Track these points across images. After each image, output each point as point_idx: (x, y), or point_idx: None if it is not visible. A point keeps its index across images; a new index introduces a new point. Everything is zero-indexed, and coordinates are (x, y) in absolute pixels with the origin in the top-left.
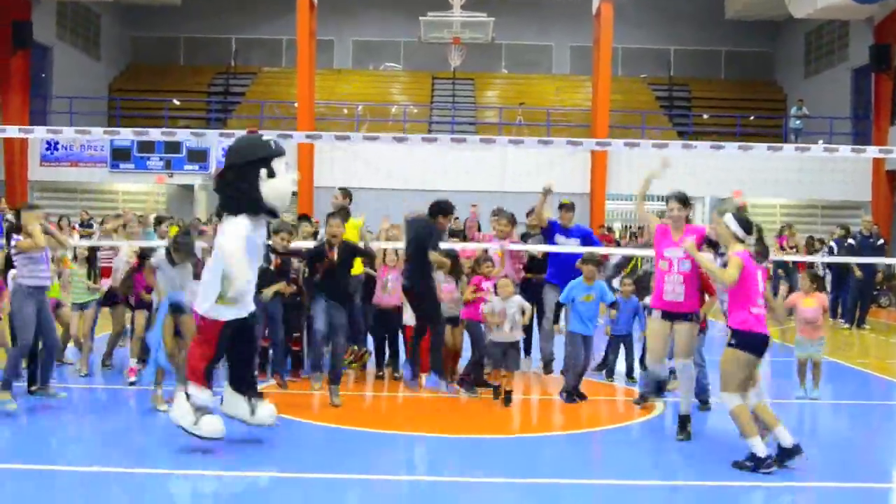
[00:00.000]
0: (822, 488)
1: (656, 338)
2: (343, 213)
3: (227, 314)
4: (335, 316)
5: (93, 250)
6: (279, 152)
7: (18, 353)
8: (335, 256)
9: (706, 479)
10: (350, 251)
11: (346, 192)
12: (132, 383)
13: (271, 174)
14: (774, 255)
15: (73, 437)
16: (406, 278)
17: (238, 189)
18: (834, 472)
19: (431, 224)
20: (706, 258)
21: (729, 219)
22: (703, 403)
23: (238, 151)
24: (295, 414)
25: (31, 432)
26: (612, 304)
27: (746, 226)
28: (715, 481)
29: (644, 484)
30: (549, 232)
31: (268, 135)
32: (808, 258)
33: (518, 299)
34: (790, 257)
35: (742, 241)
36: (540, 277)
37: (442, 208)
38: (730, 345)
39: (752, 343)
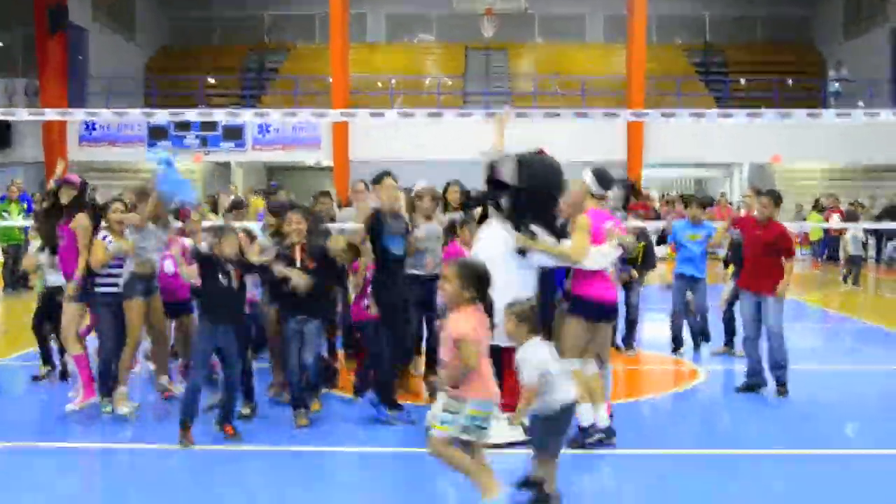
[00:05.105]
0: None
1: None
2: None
3: None
4: (307, 333)
5: None
6: None
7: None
8: (300, 261)
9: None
10: (319, 254)
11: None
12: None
13: None
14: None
15: None
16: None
17: None
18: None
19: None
20: (544, 242)
21: (587, 174)
22: (781, 385)
23: None
24: None
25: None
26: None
27: (605, 181)
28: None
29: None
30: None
31: (303, 111)
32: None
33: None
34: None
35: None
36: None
37: None
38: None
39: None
